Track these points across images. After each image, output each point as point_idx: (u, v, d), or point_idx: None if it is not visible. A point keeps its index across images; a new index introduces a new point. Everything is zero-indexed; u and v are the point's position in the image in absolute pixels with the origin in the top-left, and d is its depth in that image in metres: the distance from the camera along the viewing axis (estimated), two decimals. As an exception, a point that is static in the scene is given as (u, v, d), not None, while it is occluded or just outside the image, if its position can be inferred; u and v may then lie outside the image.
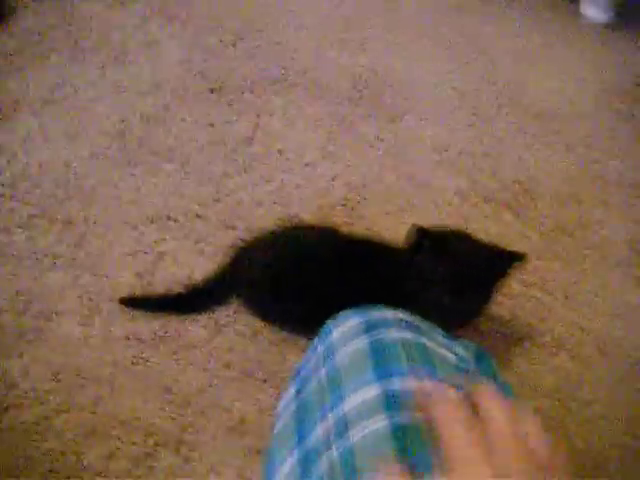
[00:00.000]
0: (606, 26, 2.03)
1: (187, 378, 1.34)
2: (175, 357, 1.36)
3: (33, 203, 1.55)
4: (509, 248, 1.18)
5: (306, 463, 0.82)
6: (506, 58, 1.84)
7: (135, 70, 1.76)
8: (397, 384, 0.81)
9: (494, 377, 1.03)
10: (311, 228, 1.48)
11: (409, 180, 1.59)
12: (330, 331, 0.96)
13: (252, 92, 1.70)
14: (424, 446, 0.74)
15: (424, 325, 1.00)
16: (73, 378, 1.35)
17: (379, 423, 0.76)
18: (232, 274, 1.40)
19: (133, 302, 1.42)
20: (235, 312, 1.41)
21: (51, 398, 1.33)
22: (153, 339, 1.38)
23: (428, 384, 0.82)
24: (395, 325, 0.93)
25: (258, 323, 1.39)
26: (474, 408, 0.59)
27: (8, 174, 1.59)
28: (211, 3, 2.02)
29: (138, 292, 1.44)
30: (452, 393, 0.72)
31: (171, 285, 1.45)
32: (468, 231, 1.20)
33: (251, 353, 1.36)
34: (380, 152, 1.63)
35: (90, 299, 1.43)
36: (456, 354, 0.95)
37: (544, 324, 1.42)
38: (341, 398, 0.83)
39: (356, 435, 0.76)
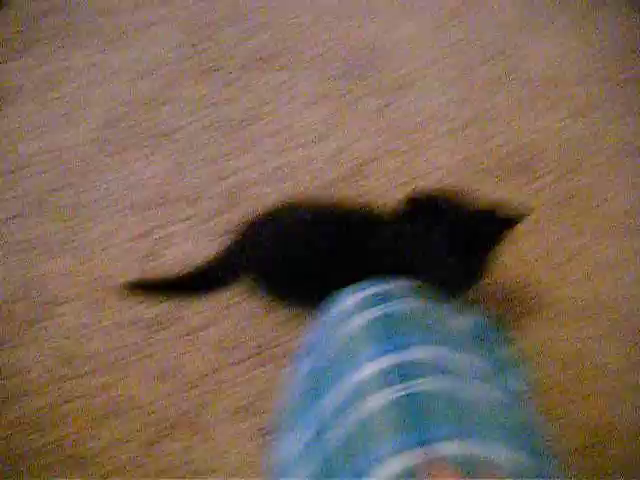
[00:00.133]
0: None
1: (194, 361, 1.34)
2: (183, 340, 1.36)
3: (32, 191, 1.54)
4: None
5: (320, 436, 0.82)
6: (506, 28, 1.80)
7: (131, 53, 1.74)
8: (408, 355, 0.80)
9: (507, 344, 1.02)
10: (316, 202, 1.46)
11: (413, 152, 1.57)
12: (338, 304, 0.96)
13: (251, 71, 1.68)
14: (439, 414, 0.73)
15: (436, 294, 0.99)
16: (83, 364, 1.35)
17: (392, 395, 0.75)
18: (238, 254, 1.38)
19: (139, 286, 1.41)
20: (241, 293, 1.40)
21: (62, 385, 1.34)
22: (159, 323, 1.38)
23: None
24: (405, 295, 0.92)
25: (265, 303, 1.38)
26: None
27: (4, 161, 1.58)
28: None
29: (143, 276, 1.43)
30: None
31: (176, 268, 1.44)
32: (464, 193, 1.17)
33: (257, 334, 1.35)
34: (383, 125, 1.61)
35: (96, 285, 1.43)
36: (469, 322, 0.94)
37: (557, 292, 1.40)
38: (352, 371, 0.82)
39: (369, 408, 0.76)
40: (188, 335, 1.37)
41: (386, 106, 1.63)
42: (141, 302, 1.40)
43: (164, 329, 1.37)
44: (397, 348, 0.82)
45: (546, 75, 1.68)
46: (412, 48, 1.72)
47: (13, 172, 1.57)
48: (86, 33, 1.80)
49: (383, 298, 0.91)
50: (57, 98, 1.68)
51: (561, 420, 1.26)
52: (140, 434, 1.27)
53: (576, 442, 1.23)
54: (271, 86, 1.66)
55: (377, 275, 1.00)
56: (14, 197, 1.54)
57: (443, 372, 0.78)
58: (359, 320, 0.89)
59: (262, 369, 1.32)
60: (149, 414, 1.29)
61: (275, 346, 1.34)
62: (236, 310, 1.38)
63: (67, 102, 1.67)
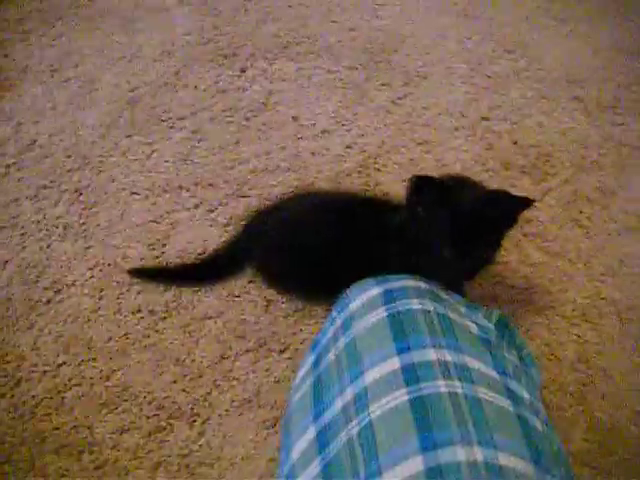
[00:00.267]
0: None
1: (200, 350, 1.32)
2: (188, 329, 1.34)
3: (42, 173, 1.52)
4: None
5: (324, 437, 0.81)
6: (523, 23, 1.79)
7: (144, 37, 1.72)
8: (417, 357, 0.79)
9: (517, 347, 1.01)
10: (323, 193, 1.45)
11: (425, 146, 1.55)
12: (348, 302, 0.94)
13: (264, 58, 1.66)
14: (445, 418, 0.72)
15: (445, 294, 0.97)
16: (84, 351, 1.33)
17: (399, 399, 0.74)
18: (245, 243, 1.37)
19: (144, 273, 1.40)
20: (249, 283, 1.38)
21: (62, 371, 1.32)
22: (165, 311, 1.36)
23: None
24: (416, 295, 0.90)
25: (272, 294, 1.37)
26: None
27: (16, 143, 1.56)
28: (221, -32, 1.97)
29: (149, 263, 1.42)
30: None
31: (183, 256, 1.42)
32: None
33: (265, 324, 1.34)
34: (396, 117, 1.59)
35: (100, 270, 1.41)
36: (478, 324, 0.92)
37: (565, 293, 1.38)
38: (360, 372, 0.81)
39: (376, 411, 0.75)
40: (192, 325, 1.35)
41: (398, 99, 1.62)
42: (145, 290, 1.38)
43: (168, 318, 1.36)
44: (404, 350, 0.81)
45: (558, 74, 1.67)
46: (426, 42, 1.71)
47: (22, 154, 1.55)
48: (99, 15, 1.78)
49: (391, 297, 0.90)
50: (67, 81, 1.66)
51: (566, 422, 1.25)
52: (142, 423, 1.26)
53: (580, 444, 1.22)
54: (283, 75, 1.64)
55: (384, 269, 0.99)
56: (20, 179, 1.52)
57: (450, 376, 0.77)
58: (367, 319, 0.88)
59: (267, 361, 1.30)
60: (150, 403, 1.27)
61: (280, 338, 1.32)
62: (241, 301, 1.37)
63: (77, 85, 1.65)
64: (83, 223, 1.46)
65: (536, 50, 1.72)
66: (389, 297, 0.90)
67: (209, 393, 1.27)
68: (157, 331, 1.34)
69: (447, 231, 1.03)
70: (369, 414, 0.75)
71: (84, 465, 1.23)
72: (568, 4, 1.84)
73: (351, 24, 1.73)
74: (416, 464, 0.67)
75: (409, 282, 0.94)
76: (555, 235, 1.44)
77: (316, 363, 0.95)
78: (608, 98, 1.65)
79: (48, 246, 1.43)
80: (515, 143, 1.56)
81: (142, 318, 1.35)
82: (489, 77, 1.67)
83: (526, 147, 1.56)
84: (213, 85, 1.63)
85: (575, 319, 1.36)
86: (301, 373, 0.98)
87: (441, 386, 0.75)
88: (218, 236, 1.43)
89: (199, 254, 1.42)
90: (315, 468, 0.79)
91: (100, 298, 1.38)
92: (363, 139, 1.56)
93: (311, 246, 1.22)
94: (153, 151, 1.54)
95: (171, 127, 1.57)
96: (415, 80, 1.65)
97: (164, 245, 1.43)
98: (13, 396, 1.30)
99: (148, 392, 1.28)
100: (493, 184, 1.47)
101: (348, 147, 1.54)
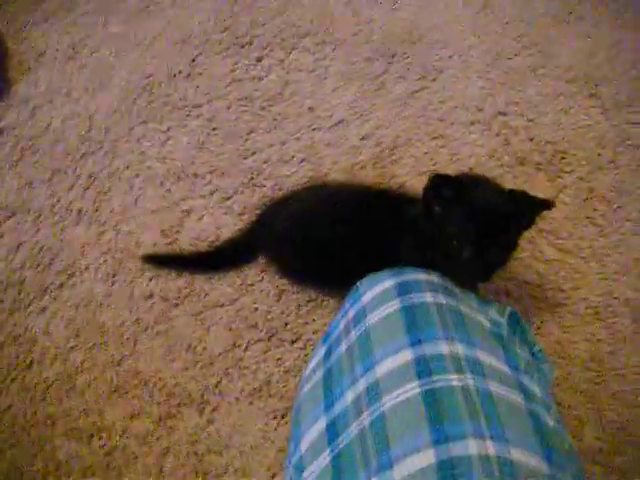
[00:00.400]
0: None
1: (211, 338, 1.32)
2: (200, 316, 1.34)
3: (57, 157, 1.52)
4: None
5: (334, 428, 0.81)
6: (541, 20, 1.77)
7: (161, 24, 1.71)
8: (430, 350, 0.79)
9: (528, 343, 1.01)
10: (338, 185, 1.44)
11: (441, 140, 1.55)
12: (361, 294, 0.94)
13: (282, 48, 1.66)
14: (457, 411, 0.72)
15: (457, 289, 0.97)
16: (95, 336, 1.34)
17: (411, 391, 0.74)
18: (259, 233, 1.37)
19: (157, 260, 1.40)
20: (262, 272, 1.38)
21: (73, 355, 1.33)
22: (177, 298, 1.36)
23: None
24: (429, 289, 0.90)
25: (285, 283, 1.37)
26: None
27: (31, 126, 1.56)
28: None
29: (162, 250, 1.42)
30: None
31: (196, 243, 1.42)
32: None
33: (277, 314, 1.34)
34: (412, 111, 1.58)
35: (113, 256, 1.41)
36: (490, 319, 0.92)
37: (578, 292, 1.38)
38: (372, 364, 0.81)
39: (388, 403, 0.75)
40: (204, 312, 1.35)
41: (414, 92, 1.60)
42: (158, 276, 1.38)
43: (180, 305, 1.36)
44: (417, 342, 0.80)
45: (575, 72, 1.66)
46: (443, 36, 1.69)
47: (38, 137, 1.55)
48: (116, 2, 1.76)
49: (405, 290, 0.90)
50: (83, 66, 1.65)
51: (577, 420, 1.25)
52: (151, 410, 1.27)
53: (591, 442, 1.22)
54: (299, 66, 1.63)
55: (397, 262, 0.99)
56: (35, 163, 1.52)
57: (462, 370, 0.77)
58: (380, 312, 0.88)
59: (278, 350, 1.30)
60: (160, 390, 1.28)
61: (292, 328, 1.32)
62: (254, 290, 1.37)
63: (93, 71, 1.64)
64: (97, 208, 1.46)
65: (554, 47, 1.71)
66: (402, 290, 0.90)
67: (219, 381, 1.28)
68: (169, 318, 1.34)
69: (466, 232, 1.02)
70: (381, 406, 0.75)
71: (93, 449, 1.24)
72: (586, 2, 1.83)
73: (369, 16, 1.71)
74: (428, 457, 0.67)
75: (423, 275, 0.94)
76: (569, 233, 1.44)
77: (327, 354, 0.94)
78: (625, 97, 1.63)
79: (62, 230, 1.44)
80: (531, 139, 1.55)
81: (154, 304, 1.36)
82: (506, 73, 1.66)
83: (542, 144, 1.55)
84: (229, 74, 1.62)
85: (588, 317, 1.35)
86: (312, 364, 0.98)
87: (453, 379, 0.75)
88: (232, 224, 1.43)
89: (212, 242, 1.42)
90: (325, 459, 0.79)
91: (112, 283, 1.38)
92: (379, 131, 1.55)
93: (325, 237, 1.21)
94: (168, 138, 1.54)
95: (187, 115, 1.57)
96: (432, 73, 1.64)
97: (177, 232, 1.43)
98: (24, 379, 1.30)
99: (159, 378, 1.29)
100: (508, 180, 1.47)
101: (364, 139, 1.54)
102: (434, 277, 0.95)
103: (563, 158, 1.53)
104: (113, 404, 1.27)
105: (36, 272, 1.40)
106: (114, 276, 1.39)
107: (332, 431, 0.81)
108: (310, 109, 1.57)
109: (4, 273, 1.40)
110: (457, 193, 1.02)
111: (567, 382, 1.29)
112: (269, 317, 1.33)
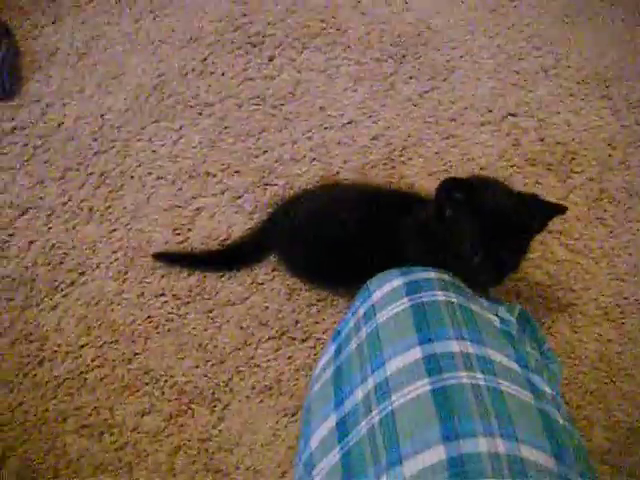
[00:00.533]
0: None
1: (222, 336, 1.33)
2: (211, 314, 1.35)
3: (68, 155, 1.53)
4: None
5: (344, 425, 0.81)
6: (552, 20, 1.77)
7: (172, 22, 1.71)
8: (440, 348, 0.79)
9: (538, 342, 1.01)
10: (349, 185, 1.45)
11: (451, 140, 1.55)
12: (371, 292, 0.94)
13: (293, 47, 1.66)
14: (467, 409, 0.72)
15: (467, 286, 0.97)
16: (107, 333, 1.34)
17: (421, 389, 0.74)
18: (270, 232, 1.37)
19: (168, 258, 1.40)
20: (273, 270, 1.39)
21: (84, 353, 1.33)
22: (188, 296, 1.37)
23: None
24: (439, 287, 0.90)
25: (295, 282, 1.37)
26: None
27: (42, 125, 1.56)
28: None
29: (174, 248, 1.42)
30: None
31: (208, 242, 1.42)
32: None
33: (288, 312, 1.34)
34: (422, 111, 1.59)
35: (125, 254, 1.41)
36: (500, 317, 0.92)
37: (588, 292, 1.38)
38: (382, 362, 0.81)
39: (398, 400, 0.75)
40: (215, 310, 1.35)
41: (425, 93, 1.61)
42: (169, 274, 1.39)
43: (191, 303, 1.36)
44: (427, 340, 0.81)
45: (586, 72, 1.66)
46: (454, 36, 1.70)
47: (50, 135, 1.56)
48: (125, 0, 1.77)
49: (415, 289, 0.90)
50: (95, 64, 1.65)
51: (585, 420, 1.25)
52: (162, 407, 1.27)
53: (600, 442, 1.22)
54: (311, 65, 1.63)
55: (407, 261, 0.99)
56: (46, 161, 1.52)
57: (472, 368, 0.77)
58: (390, 310, 0.88)
59: (288, 349, 1.31)
60: (171, 387, 1.29)
61: (302, 327, 1.33)
62: (265, 288, 1.37)
63: (103, 69, 1.65)
64: (108, 206, 1.46)
65: (565, 48, 1.71)
66: (413, 288, 0.90)
67: (230, 379, 1.28)
68: (180, 316, 1.35)
69: (477, 236, 1.02)
70: (391, 404, 0.75)
71: (104, 446, 1.25)
72: (597, 2, 1.83)
73: (381, 16, 1.72)
74: (438, 453, 0.68)
75: (433, 274, 0.94)
76: (579, 233, 1.44)
77: (337, 353, 0.95)
78: (637, 97, 1.63)
79: (73, 228, 1.44)
80: (542, 140, 1.55)
81: (165, 302, 1.36)
82: (517, 73, 1.66)
83: (552, 144, 1.55)
84: (241, 73, 1.63)
85: (597, 318, 1.35)
86: (322, 362, 0.98)
87: (463, 377, 0.75)
88: (243, 223, 1.43)
89: (223, 240, 1.42)
90: (335, 456, 0.79)
91: (124, 281, 1.39)
92: (389, 131, 1.55)
93: (335, 237, 1.22)
94: (180, 137, 1.54)
95: (198, 113, 1.57)
96: (442, 74, 1.64)
97: (189, 230, 1.43)
98: (35, 375, 1.31)
99: (170, 376, 1.29)
100: (519, 180, 1.47)
101: (374, 139, 1.54)
102: (444, 275, 0.95)
103: (574, 159, 1.53)
104: (124, 401, 1.28)
105: (47, 270, 1.40)
106: (125, 274, 1.39)
107: (342, 429, 0.81)
108: (321, 108, 1.58)
109: (16, 271, 1.40)
110: (469, 196, 1.02)
111: (576, 382, 1.29)
112: (280, 316, 1.34)
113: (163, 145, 1.53)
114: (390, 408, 0.75)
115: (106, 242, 1.43)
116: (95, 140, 1.54)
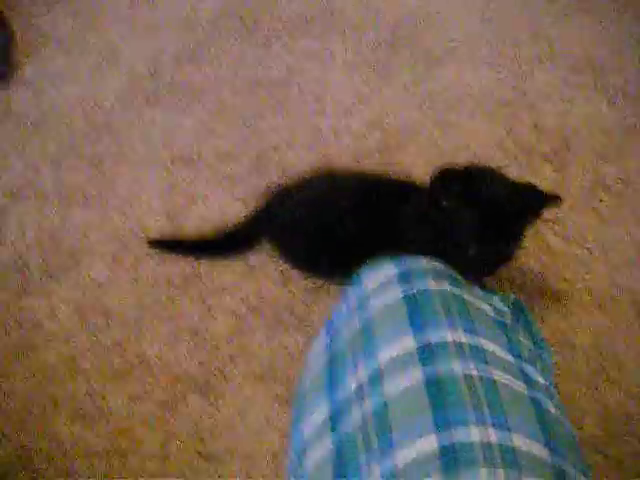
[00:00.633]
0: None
1: (216, 323, 1.32)
2: (204, 302, 1.34)
3: (62, 140, 1.52)
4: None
5: (337, 415, 0.81)
6: (550, 8, 1.77)
7: (167, 8, 1.71)
8: (433, 338, 0.79)
9: (531, 332, 1.01)
10: (345, 172, 1.44)
11: (446, 128, 1.54)
12: (364, 281, 0.94)
13: (288, 34, 1.65)
14: (459, 398, 0.72)
15: (461, 276, 0.97)
16: (100, 319, 1.34)
17: (414, 378, 0.74)
18: (264, 219, 1.37)
19: (162, 244, 1.40)
20: (267, 257, 1.38)
21: (77, 339, 1.33)
22: (182, 282, 1.36)
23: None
24: (432, 276, 0.90)
25: (290, 270, 1.37)
26: None
27: (37, 110, 1.56)
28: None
29: (168, 234, 1.42)
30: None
31: (202, 228, 1.42)
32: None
33: (282, 299, 1.34)
34: (417, 98, 1.58)
35: (119, 240, 1.41)
36: (494, 307, 0.92)
37: (581, 281, 1.38)
38: (375, 351, 0.81)
39: (391, 390, 0.75)
40: (209, 297, 1.35)
41: (421, 80, 1.60)
42: (163, 261, 1.39)
43: (185, 290, 1.36)
44: (420, 330, 0.80)
45: (583, 62, 1.65)
46: (450, 23, 1.69)
47: (44, 120, 1.55)
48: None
49: (408, 278, 0.89)
50: (89, 50, 1.65)
51: (577, 410, 1.26)
52: (157, 394, 1.26)
53: (592, 431, 1.23)
54: (307, 52, 1.63)
55: (404, 251, 0.99)
56: (40, 146, 1.52)
57: (465, 357, 0.77)
58: (383, 299, 0.88)
59: (282, 336, 1.30)
60: (166, 374, 1.28)
61: (297, 314, 1.32)
62: (259, 275, 1.37)
63: (99, 55, 1.64)
64: (102, 192, 1.46)
65: (562, 36, 1.70)
66: (406, 277, 0.90)
67: (224, 366, 1.28)
68: (174, 302, 1.34)
69: (473, 227, 1.02)
70: (383, 393, 0.75)
71: (98, 432, 1.24)
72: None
73: (376, 2, 1.71)
74: (430, 442, 0.67)
75: (426, 263, 0.94)
76: (574, 222, 1.44)
77: (330, 341, 0.94)
78: (633, 87, 1.63)
79: (67, 214, 1.43)
80: (537, 129, 1.55)
81: (159, 289, 1.36)
82: (513, 61, 1.65)
83: (548, 133, 1.55)
84: (236, 59, 1.62)
85: (590, 307, 1.35)
86: (315, 351, 0.98)
87: (456, 367, 0.75)
88: (237, 210, 1.43)
89: (218, 227, 1.41)
90: (327, 445, 0.79)
91: (117, 268, 1.38)
92: (385, 119, 1.55)
93: (331, 225, 1.22)
94: (174, 123, 1.54)
95: (193, 99, 1.57)
96: (438, 61, 1.64)
97: (183, 217, 1.43)
98: (30, 362, 1.30)
99: (163, 363, 1.29)
100: (514, 169, 1.47)
101: (370, 126, 1.53)
102: (438, 265, 0.95)
103: (569, 148, 1.52)
104: (117, 388, 1.27)
105: (41, 256, 1.40)
106: (119, 260, 1.39)
107: (334, 418, 0.81)
108: (317, 96, 1.57)
109: (9, 257, 1.40)
110: (465, 187, 1.02)
111: (568, 371, 1.29)
112: (274, 303, 1.33)
113: (157, 131, 1.53)
114: (383, 397, 0.75)
115: (100, 228, 1.42)
116: (89, 126, 1.54)
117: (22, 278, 1.38)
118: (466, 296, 0.89)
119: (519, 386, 0.76)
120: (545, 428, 0.72)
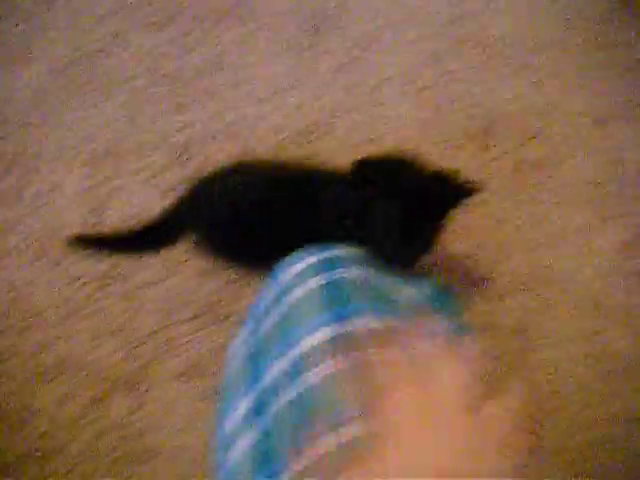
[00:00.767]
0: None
1: (140, 319, 1.31)
2: (128, 297, 1.33)
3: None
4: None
5: (261, 404, 0.80)
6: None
7: (82, 1, 1.67)
8: (352, 324, 0.79)
9: (455, 315, 1.02)
10: (268, 162, 1.43)
11: (371, 112, 1.54)
12: (284, 270, 0.94)
13: (208, 22, 1.63)
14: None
15: (383, 263, 0.97)
16: (21, 321, 1.32)
17: (334, 366, 0.74)
18: (186, 211, 1.35)
19: (83, 241, 1.37)
20: (189, 251, 1.37)
21: (1, 340, 1.30)
22: (105, 279, 1.34)
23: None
24: (351, 264, 0.90)
25: (212, 263, 1.35)
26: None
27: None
28: None
29: (89, 230, 1.39)
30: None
31: (123, 222, 1.40)
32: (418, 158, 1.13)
33: (206, 292, 1.33)
34: (342, 84, 1.58)
35: (38, 239, 1.38)
36: (417, 291, 0.93)
37: (506, 263, 1.39)
38: (296, 340, 0.81)
39: (312, 377, 0.75)
40: (132, 293, 1.33)
41: (346, 64, 1.59)
42: (86, 257, 1.36)
43: (107, 286, 1.34)
44: (342, 317, 0.80)
45: (509, 42, 1.66)
46: (376, 6, 1.68)
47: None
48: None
49: (330, 265, 0.89)
50: (2, 41, 1.60)
51: (505, 389, 1.27)
52: (84, 392, 1.25)
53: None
54: (228, 39, 1.61)
55: (326, 240, 0.99)
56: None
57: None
58: (304, 287, 0.88)
59: (208, 330, 1.30)
60: (94, 372, 1.27)
61: (221, 307, 1.32)
62: (184, 269, 1.36)
63: (10, 46, 1.59)
64: (21, 189, 1.42)
65: (489, 18, 1.71)
66: (326, 265, 0.90)
67: (150, 362, 1.27)
68: (97, 300, 1.33)
69: (391, 220, 1.03)
70: (305, 380, 0.75)
71: (25, 434, 1.23)
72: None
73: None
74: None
75: (346, 250, 0.94)
76: (499, 204, 1.45)
77: (252, 332, 0.94)
78: (556, 67, 1.64)
79: (-17, 213, 1.40)
80: (461, 111, 1.56)
81: (82, 286, 1.34)
82: (439, 43, 1.66)
83: (473, 115, 1.56)
84: (155, 49, 1.59)
85: (516, 287, 1.37)
86: (237, 342, 0.98)
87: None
88: (160, 202, 1.41)
89: (140, 220, 1.39)
90: (251, 436, 0.79)
91: (38, 266, 1.36)
92: (309, 105, 1.54)
93: (253, 215, 1.21)
94: (94, 115, 1.51)
95: (112, 90, 1.54)
96: (363, 45, 1.63)
97: (104, 211, 1.40)
98: (-50, 367, 1.28)
99: (89, 361, 1.28)
100: (439, 152, 1.48)
101: (292, 113, 1.53)
102: (358, 251, 0.95)
103: (494, 129, 1.54)
104: (43, 389, 1.26)
105: (-43, 256, 1.37)
106: (39, 259, 1.36)
107: (259, 407, 0.81)
108: (237, 84, 1.56)
109: None
110: (383, 178, 1.02)
111: (495, 351, 1.30)
112: (198, 296, 1.33)
113: (76, 125, 1.49)
114: (304, 386, 0.75)
115: (19, 226, 1.39)
116: (4, 121, 1.50)
117: (-61, 280, 1.34)
118: (387, 281, 0.90)
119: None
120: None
